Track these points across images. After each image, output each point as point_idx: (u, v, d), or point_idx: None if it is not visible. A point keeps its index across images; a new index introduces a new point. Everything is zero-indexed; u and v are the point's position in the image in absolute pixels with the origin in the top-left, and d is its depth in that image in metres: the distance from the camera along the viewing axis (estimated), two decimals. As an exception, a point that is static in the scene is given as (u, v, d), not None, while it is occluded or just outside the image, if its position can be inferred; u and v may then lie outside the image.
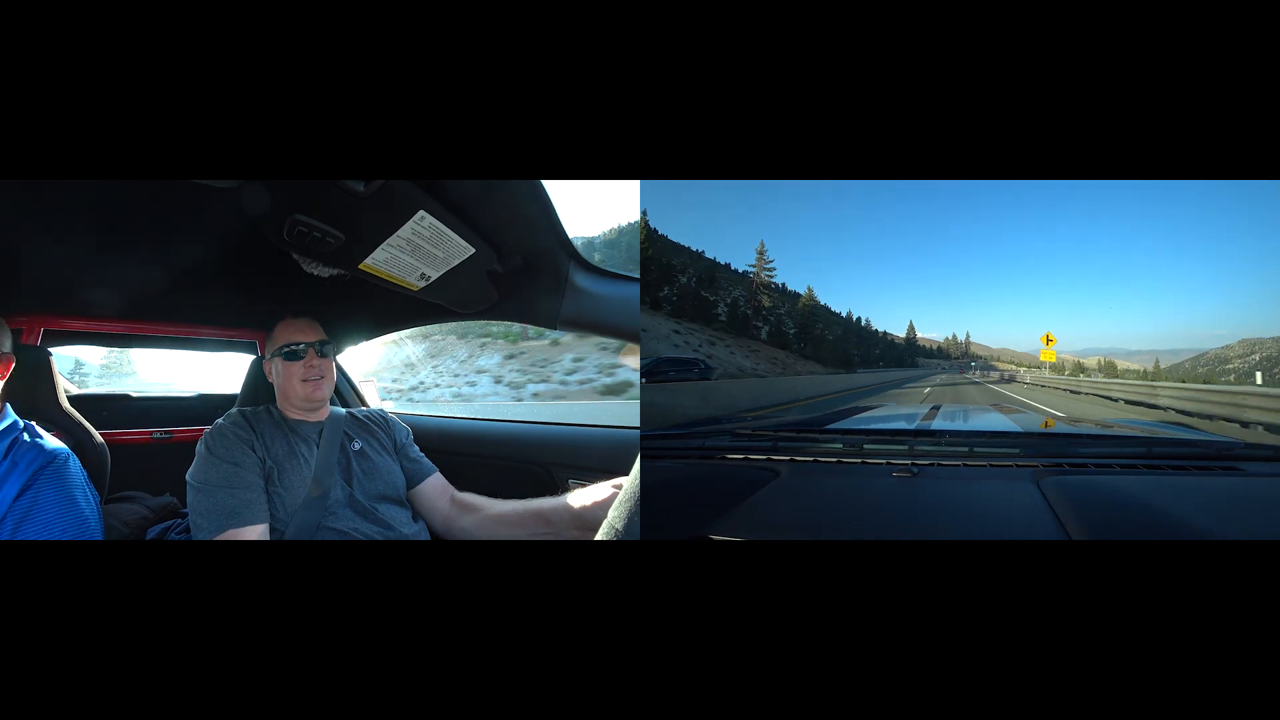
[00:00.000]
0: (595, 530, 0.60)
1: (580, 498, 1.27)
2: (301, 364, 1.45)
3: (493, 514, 1.42)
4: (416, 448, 1.62)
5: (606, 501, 1.18)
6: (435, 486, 1.55)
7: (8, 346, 1.23)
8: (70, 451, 1.23)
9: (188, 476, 1.30)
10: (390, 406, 2.38)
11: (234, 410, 1.45)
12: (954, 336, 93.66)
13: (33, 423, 1.25)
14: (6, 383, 1.23)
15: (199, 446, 1.34)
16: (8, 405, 1.22)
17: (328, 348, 1.50)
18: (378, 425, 1.59)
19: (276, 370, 1.48)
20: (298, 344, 1.45)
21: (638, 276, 1.25)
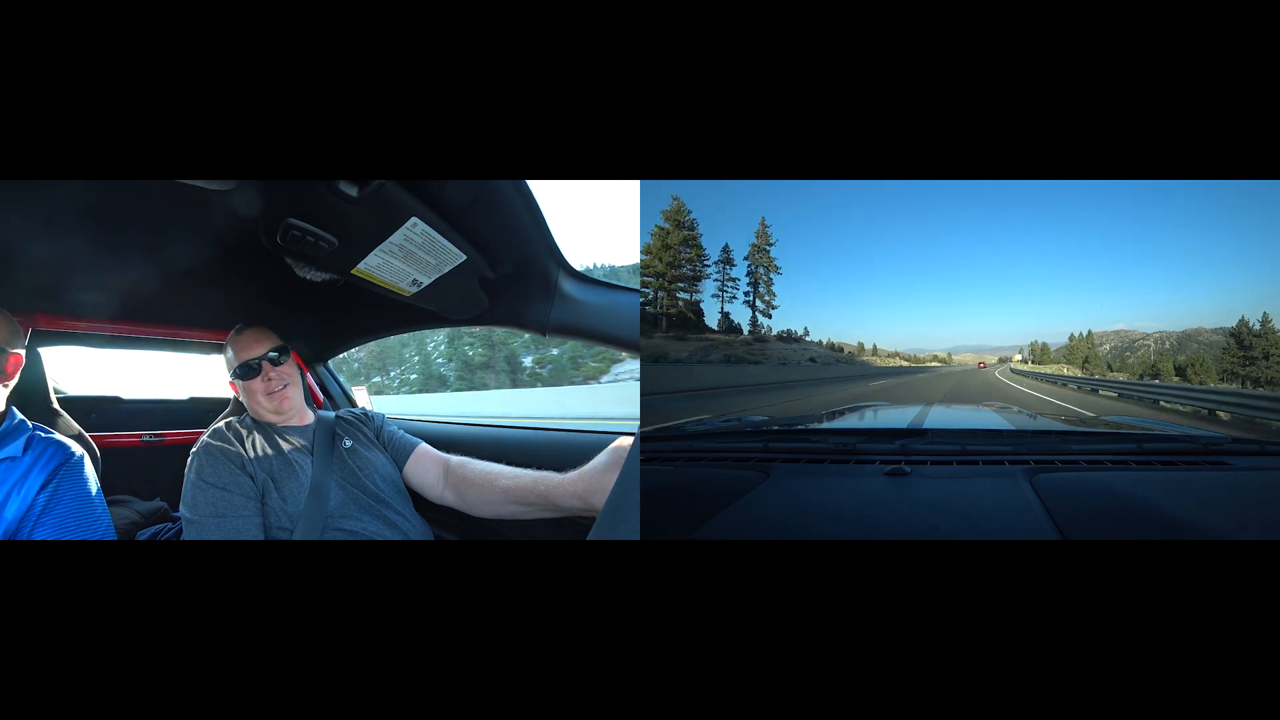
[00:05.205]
0: (597, 509, 0.58)
1: (582, 475, 1.24)
2: (259, 379, 1.43)
3: (499, 489, 1.39)
4: (393, 426, 1.62)
5: (609, 475, 1.16)
6: (422, 459, 1.54)
7: (19, 343, 1.20)
8: (84, 451, 1.23)
9: (180, 507, 1.29)
10: (378, 407, 2.37)
11: (220, 424, 1.43)
12: (756, 264, 25.90)
13: (37, 422, 1.24)
14: None
15: (188, 471, 1.32)
16: (11, 405, 1.20)
17: (284, 355, 1.47)
18: (360, 421, 1.59)
19: (241, 389, 1.47)
20: (250, 360, 1.43)
21: (636, 287, 1.25)
